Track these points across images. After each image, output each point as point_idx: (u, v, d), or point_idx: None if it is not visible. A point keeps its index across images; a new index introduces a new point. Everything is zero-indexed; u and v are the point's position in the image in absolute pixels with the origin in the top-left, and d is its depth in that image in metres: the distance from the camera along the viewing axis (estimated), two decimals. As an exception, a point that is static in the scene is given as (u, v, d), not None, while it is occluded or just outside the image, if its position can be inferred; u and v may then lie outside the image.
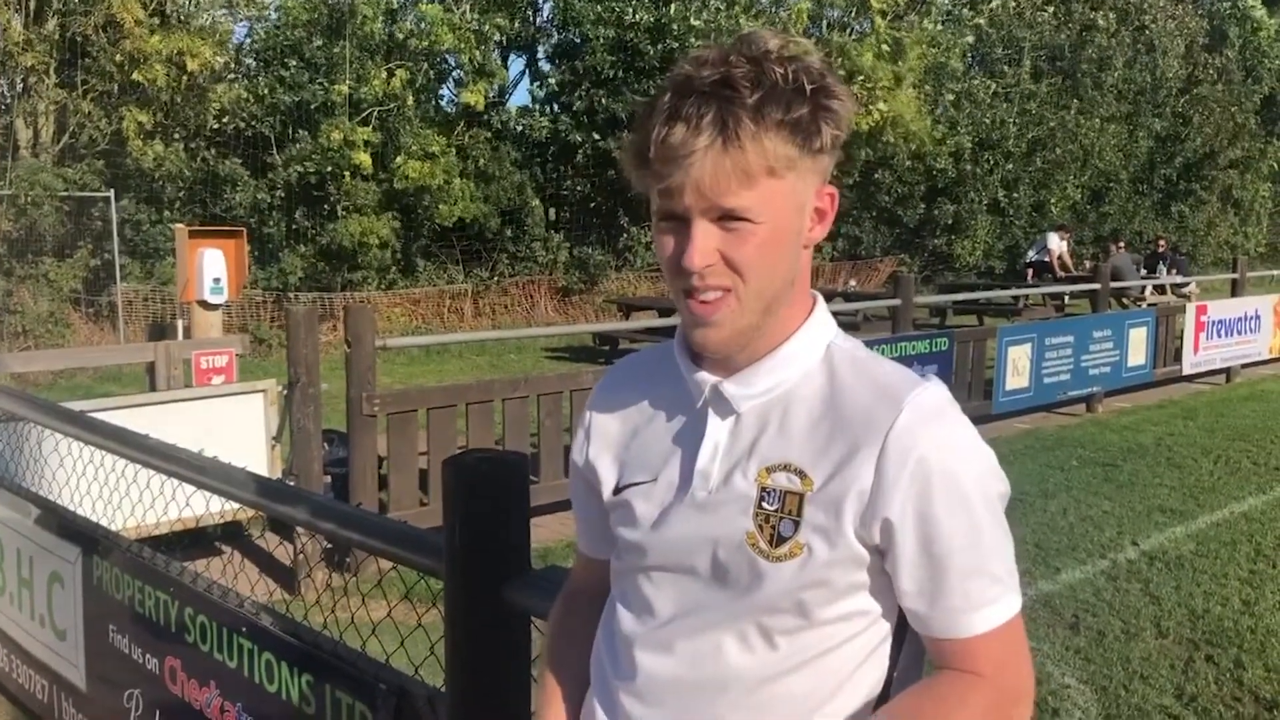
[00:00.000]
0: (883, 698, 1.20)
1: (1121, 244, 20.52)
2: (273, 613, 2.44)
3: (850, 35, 21.74)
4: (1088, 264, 21.58)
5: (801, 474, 1.16)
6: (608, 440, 1.33)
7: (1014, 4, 25.66)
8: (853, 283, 20.78)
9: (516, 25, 19.65)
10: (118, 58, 15.19)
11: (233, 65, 17.20)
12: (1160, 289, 17.85)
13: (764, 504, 1.17)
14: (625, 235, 19.66)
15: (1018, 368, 9.71)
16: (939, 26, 23.13)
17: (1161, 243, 21.53)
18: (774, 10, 20.79)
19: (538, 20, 20.64)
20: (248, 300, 15.21)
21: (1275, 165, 31.21)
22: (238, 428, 5.65)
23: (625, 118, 18.16)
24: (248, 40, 17.96)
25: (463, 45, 17.41)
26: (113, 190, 14.78)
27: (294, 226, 16.96)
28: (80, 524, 3.14)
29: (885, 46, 20.73)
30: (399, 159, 16.78)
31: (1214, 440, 9.11)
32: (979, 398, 9.30)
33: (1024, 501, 6.84)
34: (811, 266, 1.26)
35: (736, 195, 1.10)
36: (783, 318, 1.20)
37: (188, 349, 6.96)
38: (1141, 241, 25.24)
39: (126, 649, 2.86)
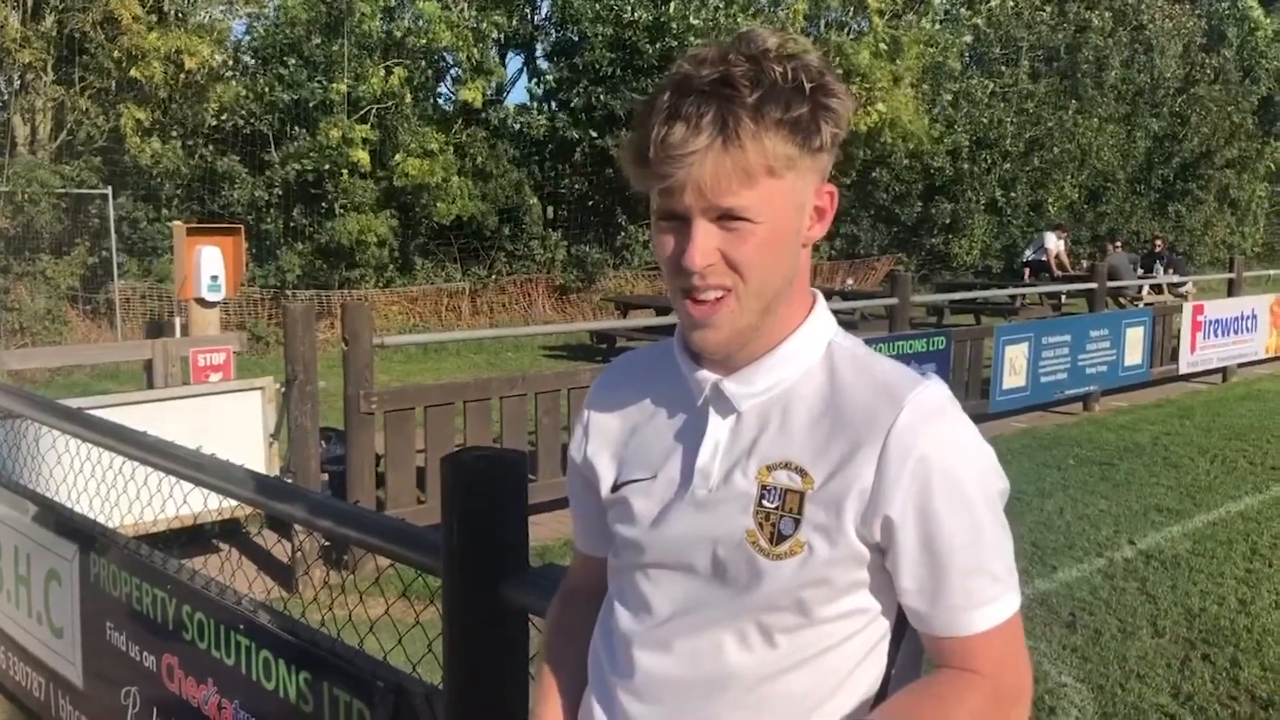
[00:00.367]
0: (881, 696, 1.20)
1: (1118, 243, 20.53)
2: (270, 610, 2.44)
3: (848, 34, 21.74)
4: (1085, 263, 21.59)
5: (802, 472, 1.16)
6: (607, 437, 1.33)
7: (1012, 4, 25.65)
8: (850, 282, 20.79)
9: (514, 23, 19.63)
10: (115, 54, 15.16)
11: (231, 63, 17.17)
12: (1157, 288, 17.86)
13: (764, 502, 1.17)
14: (623, 233, 19.65)
15: (1015, 367, 9.72)
16: (937, 26, 23.12)
17: (1158, 242, 21.54)
18: (771, 9, 20.77)
19: (536, 18, 20.63)
20: (245, 298, 15.20)
21: (1272, 165, 31.23)
22: (235, 425, 5.65)
23: (623, 116, 18.15)
24: (246, 38, 17.95)
25: (460, 43, 17.40)
26: (110, 187, 14.76)
27: (292, 224, 16.94)
28: (78, 521, 3.14)
29: (883, 46, 20.73)
30: (397, 157, 16.77)
31: (1210, 439, 9.12)
32: (976, 397, 9.31)
33: (1021, 500, 6.84)
34: (810, 265, 1.26)
35: (736, 195, 1.10)
36: (782, 316, 1.20)
37: (185, 346, 6.96)
38: (1139, 241, 25.25)
39: (124, 646, 2.86)
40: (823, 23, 22.50)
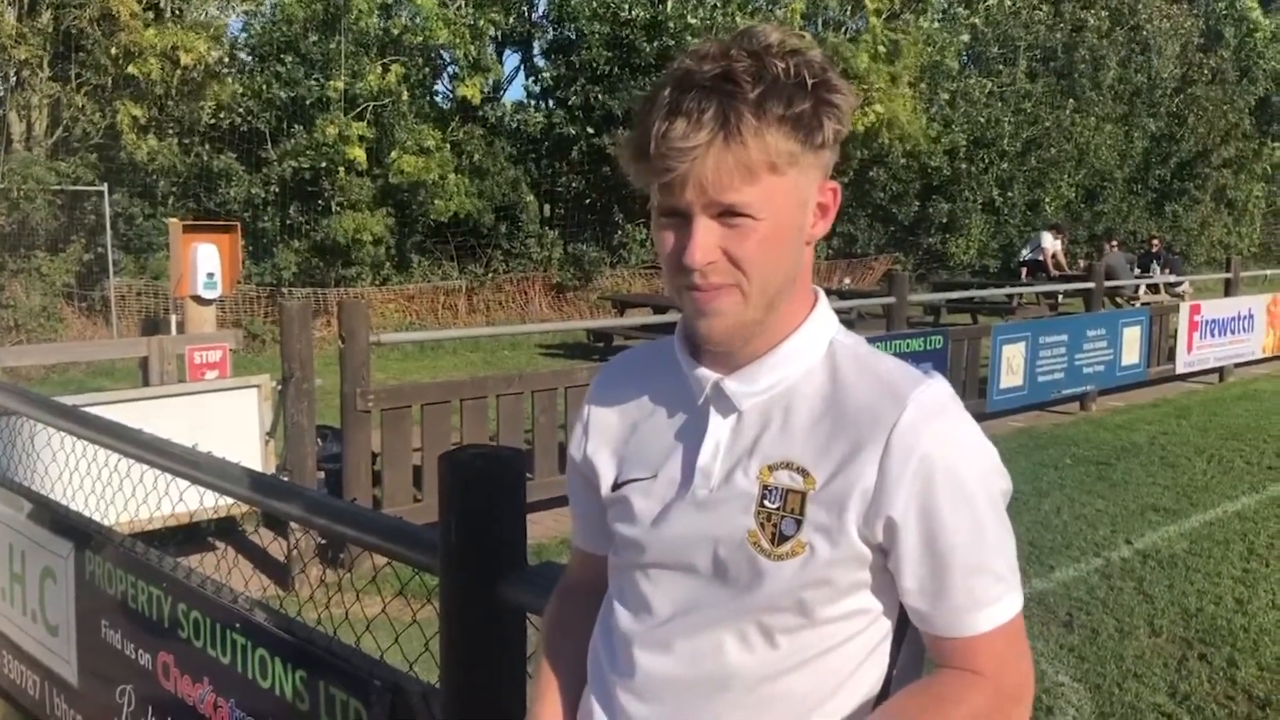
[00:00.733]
0: (883, 696, 1.19)
1: (1115, 243, 20.55)
2: (266, 608, 2.43)
3: (844, 34, 21.74)
4: (1082, 263, 21.61)
5: (804, 472, 1.15)
6: (606, 435, 1.32)
7: (1009, 3, 25.67)
8: (847, 281, 20.79)
9: (512, 20, 19.62)
10: (112, 51, 15.14)
11: (227, 60, 17.15)
12: (1154, 288, 17.88)
13: (765, 502, 1.16)
14: (620, 232, 19.64)
15: (1012, 366, 9.72)
16: (935, 25, 23.13)
17: (1155, 242, 21.57)
18: (769, 8, 20.77)
19: (533, 15, 20.61)
20: (241, 295, 15.18)
21: (1269, 166, 31.27)
22: (231, 423, 5.64)
23: (621, 114, 18.15)
24: (243, 35, 17.94)
25: (458, 40, 17.38)
26: (106, 184, 14.74)
27: (288, 222, 16.91)
28: (73, 519, 3.13)
29: (881, 48, 20.74)
30: (394, 154, 16.75)
31: (1207, 439, 9.13)
32: (973, 396, 9.31)
33: (1018, 500, 6.80)
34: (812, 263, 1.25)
35: (738, 191, 1.09)
36: (784, 314, 1.19)
37: (181, 344, 6.95)
38: (1135, 241, 25.27)
39: (119, 645, 2.85)
40: (820, 22, 22.50)
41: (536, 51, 20.66)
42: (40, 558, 3.24)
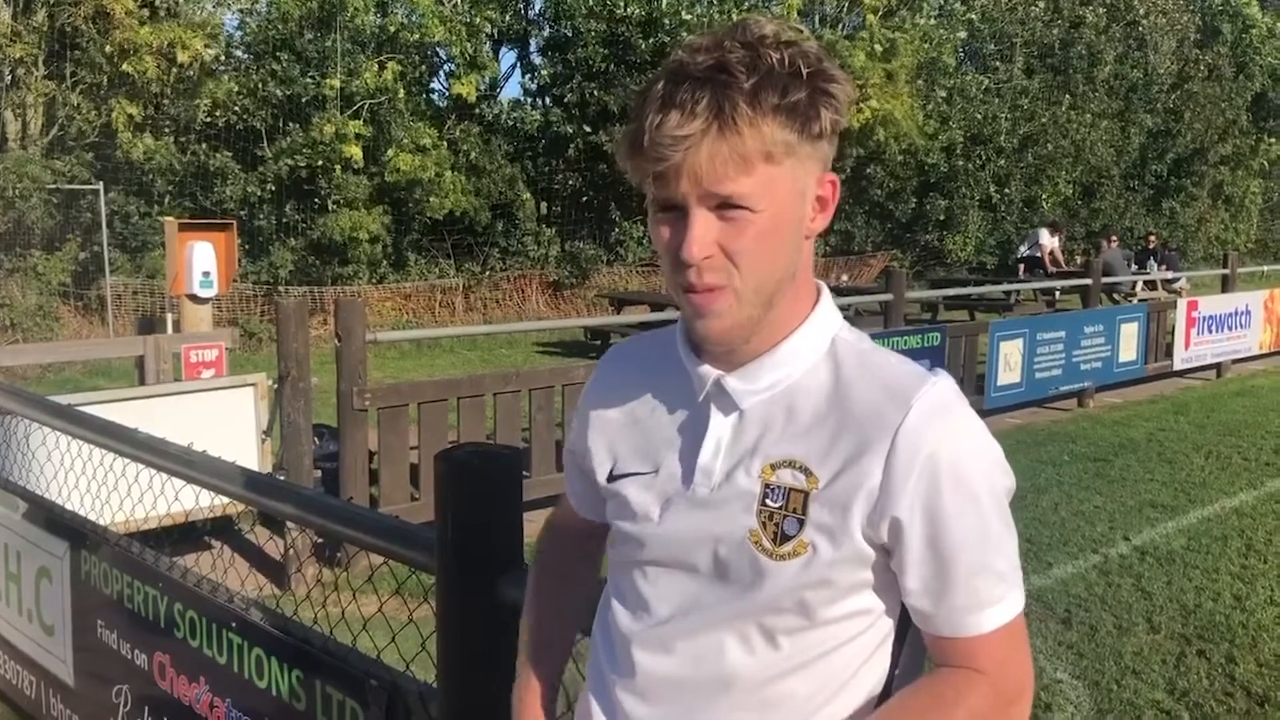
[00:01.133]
0: (884, 696, 1.18)
1: (1113, 240, 20.57)
2: (263, 608, 2.42)
3: (841, 31, 21.74)
4: (1079, 259, 21.62)
5: (807, 471, 1.14)
6: (605, 425, 1.31)
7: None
8: (844, 278, 20.79)
9: (508, 18, 19.59)
10: (107, 49, 15.11)
11: (223, 58, 17.12)
12: (1151, 285, 17.89)
13: (768, 501, 1.14)
14: (617, 229, 19.63)
15: (1010, 363, 9.72)
16: (931, 22, 23.13)
17: (1152, 238, 21.59)
18: (765, 5, 20.76)
19: (529, 13, 20.59)
20: (238, 294, 15.16)
21: (1266, 162, 31.32)
22: (228, 422, 5.62)
23: (617, 111, 18.14)
24: (239, 34, 17.90)
25: (454, 38, 17.36)
26: (102, 183, 14.71)
27: (284, 220, 16.89)
28: (68, 519, 3.12)
29: (878, 46, 20.73)
30: (390, 152, 16.73)
31: (1205, 435, 9.14)
32: (971, 393, 9.30)
33: (1016, 496, 6.79)
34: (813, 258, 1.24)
35: (734, 182, 1.08)
36: (786, 310, 1.18)
37: (177, 343, 6.93)
38: (1133, 237, 25.29)
39: (115, 645, 2.84)
40: (817, 19, 22.50)
41: (533, 49, 20.66)
42: (36, 557, 3.23)
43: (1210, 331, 12.25)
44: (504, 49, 20.67)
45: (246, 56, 17.70)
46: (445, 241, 18.59)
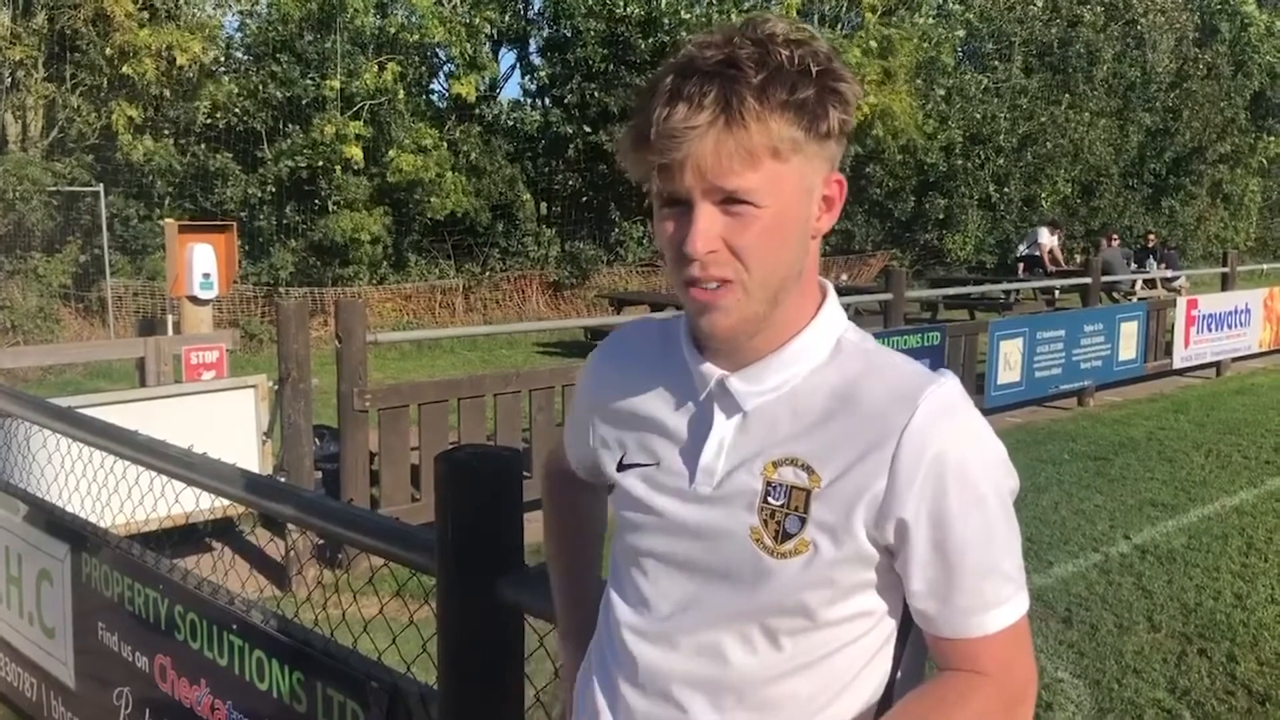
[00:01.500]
0: (886, 698, 1.18)
1: (1113, 239, 20.56)
2: (264, 610, 2.42)
3: (840, 31, 21.74)
4: (1079, 258, 21.62)
5: (809, 469, 1.13)
6: (611, 416, 1.31)
7: (1004, -1, 25.72)
8: (844, 277, 20.79)
9: (507, 18, 19.59)
10: (107, 51, 15.12)
11: (223, 60, 17.12)
12: (1150, 283, 17.88)
13: (769, 499, 1.14)
14: (617, 230, 19.62)
15: (1009, 362, 9.72)
16: (930, 21, 23.14)
17: (1152, 237, 21.57)
18: (765, 4, 20.76)
19: (529, 13, 20.59)
20: (238, 295, 15.16)
21: (1264, 160, 31.30)
22: (228, 423, 5.62)
23: (616, 111, 18.14)
24: (239, 35, 17.91)
25: (453, 38, 17.36)
26: (102, 185, 14.71)
27: (285, 221, 16.90)
28: (69, 521, 3.12)
29: (874, 43, 20.74)
30: (390, 153, 16.73)
31: (1205, 434, 9.14)
32: (971, 392, 9.21)
33: (1017, 495, 6.84)
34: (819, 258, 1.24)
35: (740, 176, 1.07)
36: (791, 310, 1.17)
37: (178, 344, 6.93)
38: (1132, 236, 25.28)
39: (116, 647, 2.84)
40: (816, 18, 22.50)
41: (532, 49, 20.66)
42: (37, 560, 3.23)
43: (1210, 330, 12.25)
44: (503, 49, 20.68)
45: (246, 58, 17.70)
46: (445, 242, 18.59)
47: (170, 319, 10.77)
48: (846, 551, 1.12)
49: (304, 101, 16.64)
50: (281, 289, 15.81)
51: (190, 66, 15.45)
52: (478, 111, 18.58)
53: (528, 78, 20.39)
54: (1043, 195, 24.98)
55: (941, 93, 23.13)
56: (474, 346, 15.23)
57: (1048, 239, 19.35)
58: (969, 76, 24.24)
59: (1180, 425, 9.51)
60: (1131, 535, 6.26)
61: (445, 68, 19.26)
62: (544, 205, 20.60)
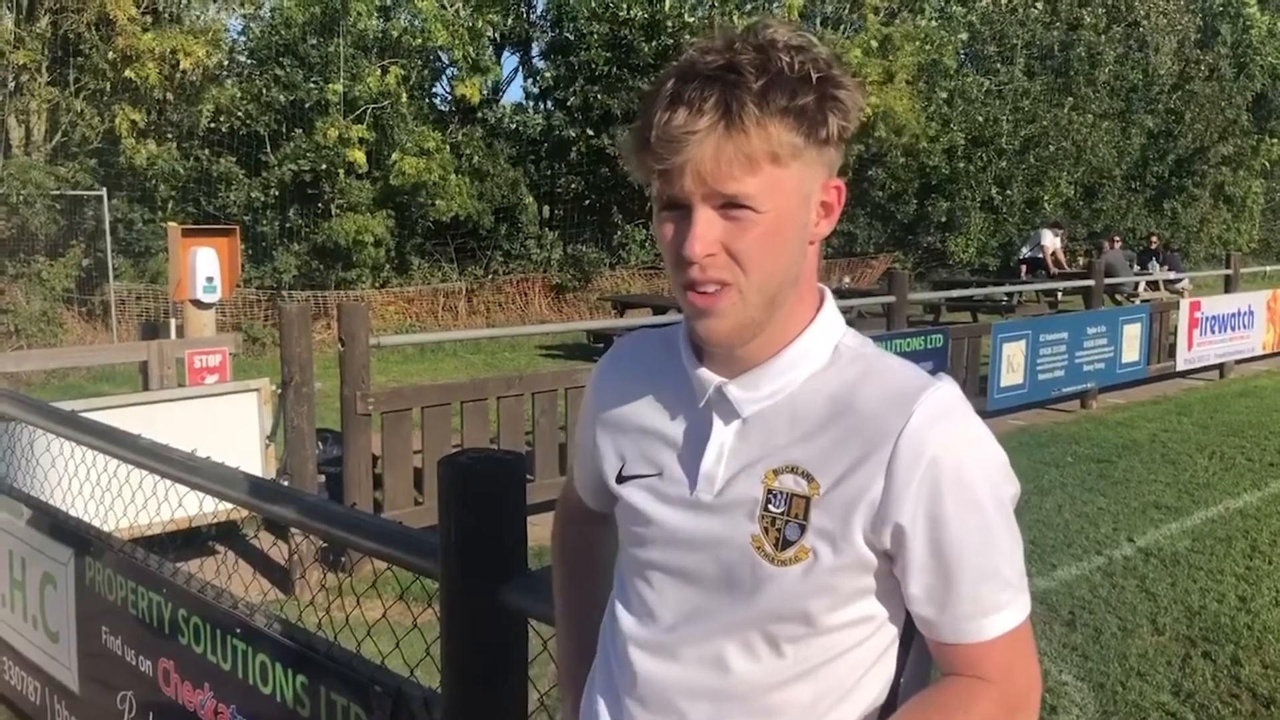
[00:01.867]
0: (889, 703, 1.18)
1: (1115, 240, 20.55)
2: (267, 613, 2.42)
3: (842, 32, 21.75)
4: (1081, 260, 21.61)
5: (808, 477, 1.13)
6: (612, 427, 1.31)
7: (1005, 1, 25.67)
8: (847, 280, 20.78)
9: (510, 21, 19.61)
10: (110, 55, 15.14)
11: (226, 64, 17.15)
12: (1154, 285, 17.87)
13: (770, 507, 1.14)
14: (619, 232, 19.63)
15: (1012, 364, 9.71)
16: (932, 24, 23.14)
17: (1154, 239, 21.56)
18: (767, 6, 20.77)
19: (531, 17, 20.61)
20: (241, 299, 15.18)
21: (1267, 162, 31.27)
22: (231, 427, 5.63)
23: (620, 114, 18.15)
24: (242, 39, 17.94)
25: (456, 41, 17.38)
26: (105, 189, 14.73)
27: (288, 225, 16.92)
28: (73, 525, 3.13)
29: (874, 43, 20.74)
30: (393, 156, 16.76)
31: (1208, 436, 9.12)
32: (974, 394, 9.29)
33: (1019, 499, 6.83)
34: (818, 264, 1.24)
35: (739, 181, 1.07)
36: (789, 315, 1.17)
37: (181, 348, 6.94)
38: (1135, 238, 25.27)
39: (119, 651, 2.84)
40: (818, 20, 22.51)
41: (535, 52, 20.69)
42: (40, 564, 3.24)
43: (1213, 332, 12.23)
44: (506, 52, 20.71)
45: (250, 62, 17.73)
46: (448, 245, 18.60)
47: (173, 323, 10.78)
48: (846, 558, 1.12)
49: (307, 105, 16.67)
50: (284, 292, 15.82)
51: (194, 71, 15.47)
52: (481, 115, 18.60)
53: (530, 81, 20.42)
54: (1045, 197, 24.97)
55: (944, 95, 23.13)
56: (477, 350, 15.23)
57: (1050, 241, 19.34)
58: (971, 79, 24.24)
59: (1184, 428, 9.50)
60: (1135, 538, 6.25)
61: (448, 71, 19.31)
62: (547, 208, 20.62)
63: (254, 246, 16.35)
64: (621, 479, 1.27)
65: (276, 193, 16.57)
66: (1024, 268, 19.81)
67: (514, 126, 19.14)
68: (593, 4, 18.61)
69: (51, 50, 15.40)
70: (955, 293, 15.90)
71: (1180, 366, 11.81)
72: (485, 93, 18.71)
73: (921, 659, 1.21)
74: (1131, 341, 11.06)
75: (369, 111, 16.83)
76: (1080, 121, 25.33)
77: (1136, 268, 18.82)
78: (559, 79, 19.48)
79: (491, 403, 6.39)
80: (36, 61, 15.19)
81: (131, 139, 15.28)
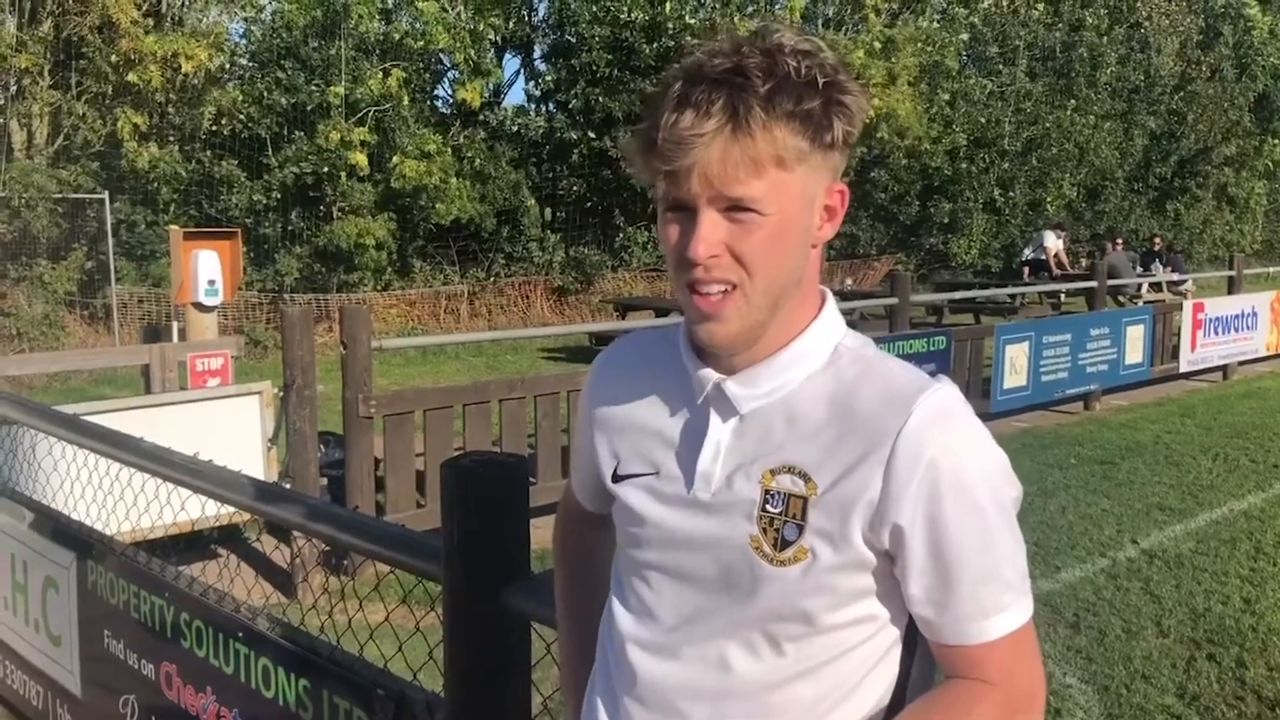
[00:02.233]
0: (893, 704, 1.18)
1: (1118, 242, 20.53)
2: (270, 617, 2.41)
3: (844, 34, 21.75)
4: (1084, 262, 21.60)
5: (806, 477, 1.13)
6: (607, 426, 1.31)
7: (1006, 2, 25.67)
8: (849, 282, 20.78)
9: (512, 24, 19.63)
10: (112, 59, 15.16)
11: (228, 67, 17.16)
12: (1157, 287, 17.86)
13: (768, 507, 1.14)
14: (621, 235, 19.64)
15: (1015, 366, 9.70)
16: (934, 25, 23.14)
17: (1157, 240, 21.55)
18: (768, 8, 20.78)
19: (533, 19, 20.62)
20: (243, 302, 15.18)
21: (1270, 163, 31.24)
22: (233, 430, 5.63)
23: (621, 117, 18.16)
24: (243, 42, 17.95)
25: (458, 44, 17.39)
26: (107, 192, 14.74)
27: (290, 228, 16.93)
28: (75, 529, 3.12)
29: (877, 44, 20.75)
30: (395, 159, 16.76)
31: (1212, 438, 9.11)
32: (977, 396, 9.29)
33: (1022, 500, 6.82)
34: (820, 266, 1.24)
35: (744, 184, 1.08)
36: (790, 317, 1.18)
37: (183, 351, 6.93)
38: (1137, 239, 25.25)
39: (122, 654, 2.84)
40: (820, 21, 22.51)
41: (537, 55, 20.69)
42: (42, 567, 3.23)
43: (1217, 333, 12.22)
44: (508, 55, 20.72)
45: (251, 65, 17.74)
46: (450, 248, 18.61)
47: (175, 326, 10.77)
48: (844, 557, 1.12)
49: (309, 108, 16.68)
50: (286, 295, 15.83)
51: (195, 74, 15.49)
52: (482, 117, 18.61)
53: (532, 83, 20.43)
54: (1048, 199, 24.95)
55: (946, 96, 23.12)
56: (479, 352, 15.23)
57: (1053, 242, 19.33)
58: (973, 80, 24.23)
59: (1187, 429, 9.49)
60: (1139, 540, 6.24)
61: (450, 74, 19.31)
62: (548, 210, 20.62)
63: (256, 249, 16.35)
64: (617, 478, 1.27)
65: (278, 196, 16.58)
66: (1027, 269, 19.80)
67: (515, 129, 19.15)
68: (594, 7, 18.62)
69: (54, 54, 15.42)
70: (958, 294, 15.92)
71: (1184, 368, 11.80)
72: (487, 95, 18.72)
73: (927, 662, 1.21)
74: (1135, 343, 11.05)
75: (370, 114, 16.84)
76: (1082, 123, 25.31)
77: (1139, 269, 18.81)
78: (560, 81, 19.49)
79: (494, 405, 6.39)
80: (39, 65, 15.21)
81: (133, 142, 15.30)
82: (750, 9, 20.08)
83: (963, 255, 23.71)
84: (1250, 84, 29.75)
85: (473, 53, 17.71)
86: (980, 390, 9.45)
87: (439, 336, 14.03)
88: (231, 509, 2.83)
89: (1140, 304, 15.31)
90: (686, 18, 18.66)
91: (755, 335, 1.15)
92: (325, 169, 16.41)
